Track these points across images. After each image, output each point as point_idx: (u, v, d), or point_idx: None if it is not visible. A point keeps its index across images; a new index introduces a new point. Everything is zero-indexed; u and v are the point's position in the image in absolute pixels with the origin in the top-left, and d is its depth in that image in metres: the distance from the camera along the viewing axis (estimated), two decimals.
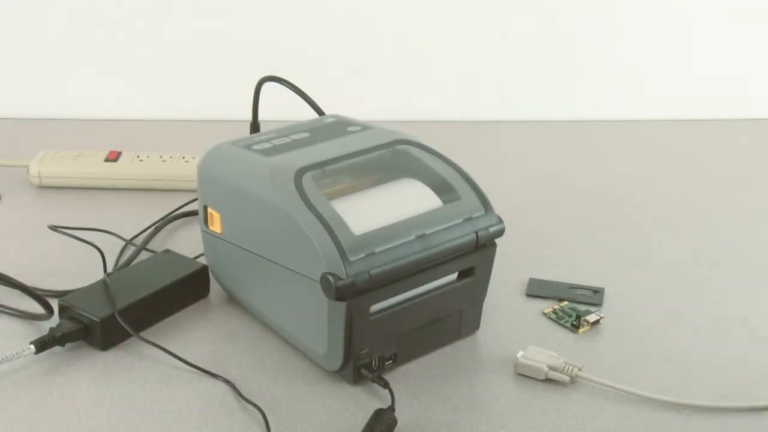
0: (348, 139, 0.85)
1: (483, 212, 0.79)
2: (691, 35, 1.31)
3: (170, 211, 1.05)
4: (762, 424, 0.74)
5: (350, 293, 0.72)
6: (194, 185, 1.11)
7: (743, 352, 0.83)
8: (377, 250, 0.74)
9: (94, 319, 0.81)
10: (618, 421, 0.74)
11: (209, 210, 0.86)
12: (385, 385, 0.75)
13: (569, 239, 1.01)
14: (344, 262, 0.72)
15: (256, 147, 0.84)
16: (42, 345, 0.79)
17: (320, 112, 0.99)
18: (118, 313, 0.81)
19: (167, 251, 0.92)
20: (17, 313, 0.86)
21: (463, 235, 0.77)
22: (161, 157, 1.12)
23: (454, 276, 0.81)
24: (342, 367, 0.77)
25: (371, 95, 1.33)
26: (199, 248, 0.98)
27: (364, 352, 0.76)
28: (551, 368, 0.78)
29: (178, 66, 1.32)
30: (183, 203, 1.08)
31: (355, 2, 1.28)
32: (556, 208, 1.07)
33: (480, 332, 0.85)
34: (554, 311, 0.87)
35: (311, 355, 0.80)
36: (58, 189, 1.11)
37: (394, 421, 0.73)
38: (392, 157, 0.83)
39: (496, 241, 0.81)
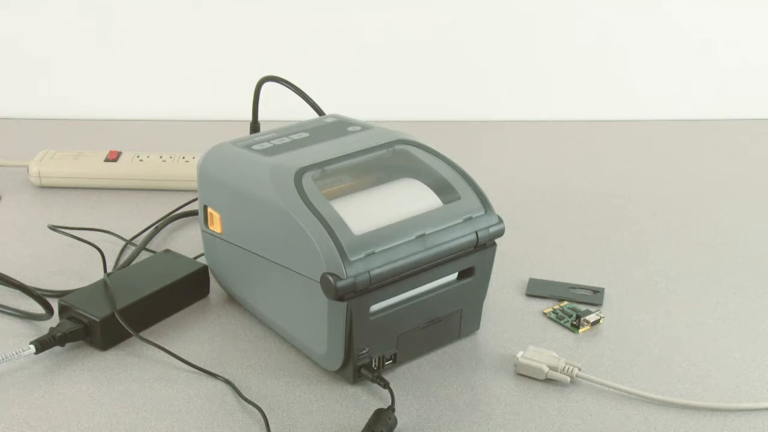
0: (348, 139, 0.85)
1: (483, 212, 0.79)
2: (690, 35, 1.31)
3: (170, 211, 1.05)
4: (762, 424, 0.74)
5: (350, 293, 0.72)
6: (194, 185, 1.11)
7: (743, 352, 0.83)
8: (377, 250, 0.74)
9: (94, 319, 0.81)
10: (618, 421, 0.74)
11: (209, 210, 0.86)
12: (385, 385, 0.75)
13: (569, 239, 1.01)
14: (344, 262, 0.72)
15: (256, 147, 0.84)
16: (42, 345, 0.79)
17: (320, 112, 0.99)
18: (118, 313, 0.81)
19: (167, 251, 0.92)
20: (17, 313, 0.86)
21: (463, 235, 0.77)
22: (161, 157, 1.12)
23: (454, 276, 0.81)
24: (342, 367, 0.77)
25: (371, 95, 1.33)
26: (199, 248, 0.98)
27: (364, 352, 0.76)
28: (551, 368, 0.78)
29: (178, 66, 1.32)
30: (183, 203, 1.08)
31: (356, 2, 1.29)
32: (556, 208, 1.08)
33: (480, 332, 0.85)
34: (554, 311, 0.87)
35: (311, 355, 0.80)
36: (58, 189, 1.11)
37: (394, 421, 0.73)
38: (392, 157, 0.83)
39: (496, 241, 0.81)
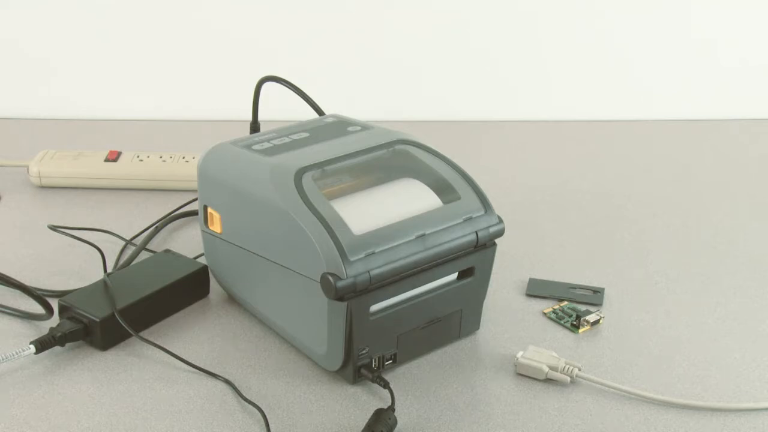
0: (348, 139, 0.85)
1: (483, 212, 0.79)
2: (691, 35, 1.32)
3: (170, 211, 1.05)
4: (762, 424, 0.74)
5: (350, 293, 0.72)
6: (194, 185, 1.11)
7: (743, 352, 0.83)
8: (377, 250, 0.74)
9: (94, 319, 0.81)
10: (618, 421, 0.74)
11: (209, 210, 0.86)
12: (385, 385, 0.75)
13: (569, 239, 1.01)
14: (344, 262, 0.72)
15: (256, 147, 0.84)
16: (42, 345, 0.79)
17: (320, 112, 0.99)
18: (118, 313, 0.81)
19: (167, 251, 0.92)
20: (17, 313, 0.86)
21: (463, 235, 0.77)
22: (161, 157, 1.12)
23: (454, 276, 0.81)
24: (342, 367, 0.77)
25: (371, 95, 1.33)
26: (199, 248, 0.98)
27: (364, 352, 0.76)
28: (551, 368, 0.78)
29: (178, 66, 1.32)
30: (183, 203, 1.08)
31: (356, 2, 1.29)
32: (556, 208, 1.08)
33: (480, 332, 0.85)
34: (554, 311, 0.87)
35: (311, 355, 0.80)
36: (58, 189, 1.11)
37: (394, 421, 0.73)
38: (392, 157, 0.83)
39: (496, 241, 0.81)
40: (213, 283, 0.92)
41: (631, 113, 1.34)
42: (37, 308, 0.88)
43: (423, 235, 0.76)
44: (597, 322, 0.86)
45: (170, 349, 0.82)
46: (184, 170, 1.11)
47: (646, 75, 1.33)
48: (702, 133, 1.29)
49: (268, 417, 0.74)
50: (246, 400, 0.76)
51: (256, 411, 0.75)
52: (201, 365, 0.80)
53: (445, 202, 0.80)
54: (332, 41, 1.31)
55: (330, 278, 0.72)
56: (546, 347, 0.83)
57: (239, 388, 0.78)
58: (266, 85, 1.29)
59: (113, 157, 1.12)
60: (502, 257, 0.97)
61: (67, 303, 0.82)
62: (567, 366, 0.78)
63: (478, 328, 0.85)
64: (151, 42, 1.31)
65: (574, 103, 1.34)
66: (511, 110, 1.34)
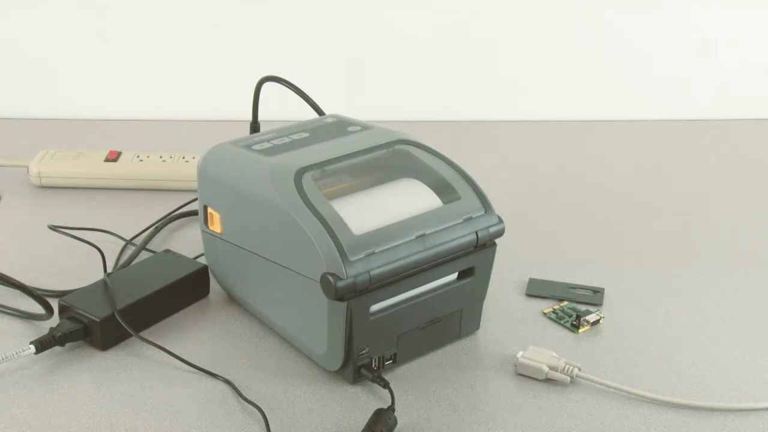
0: (348, 139, 0.85)
1: (483, 212, 0.79)
2: (691, 35, 1.31)
3: (170, 211, 1.05)
4: (762, 424, 0.74)
5: (350, 293, 0.72)
6: (194, 185, 1.11)
7: (743, 352, 0.83)
8: (377, 250, 0.74)
9: (94, 319, 0.81)
10: (618, 421, 0.74)
11: (209, 210, 0.86)
12: (385, 385, 0.75)
13: (569, 239, 1.01)
14: (344, 262, 0.72)
15: (256, 147, 0.84)
16: (42, 345, 0.79)
17: (320, 112, 0.99)
18: (118, 313, 0.81)
19: (167, 251, 0.92)
20: (17, 313, 0.86)
21: (463, 235, 0.77)
22: (161, 157, 1.12)
23: (454, 276, 0.81)
24: (342, 367, 0.77)
25: (371, 95, 1.33)
26: (199, 248, 0.98)
27: (364, 352, 0.76)
28: (551, 368, 0.78)
29: (178, 66, 1.32)
30: (183, 203, 1.08)
31: (356, 2, 1.28)
32: (556, 208, 1.07)
33: (480, 332, 0.85)
34: (554, 311, 0.87)
35: (311, 355, 0.80)
36: (58, 189, 1.11)
37: (394, 421, 0.73)
38: (392, 157, 0.83)
39: (496, 241, 0.81)
40: (213, 283, 0.92)
41: (631, 113, 1.34)
42: (37, 308, 0.88)
43: (423, 235, 0.76)
44: (597, 322, 0.86)
45: (170, 349, 0.82)
46: (184, 170, 1.11)
47: (646, 75, 1.33)
48: (702, 133, 1.29)
49: (268, 417, 0.74)
50: (246, 400, 0.76)
51: (256, 411, 0.75)
52: (201, 365, 0.80)
53: (445, 202, 0.80)
54: (332, 41, 1.31)
55: (330, 278, 0.72)
56: (546, 347, 0.83)
57: (239, 388, 0.78)
58: (266, 85, 1.29)
59: (113, 157, 1.12)
60: (502, 257, 0.97)
61: (67, 303, 0.82)
62: (567, 366, 0.78)
63: (478, 328, 0.85)
64: (151, 42, 1.31)
65: (574, 103, 1.34)
66: (511, 110, 1.34)
